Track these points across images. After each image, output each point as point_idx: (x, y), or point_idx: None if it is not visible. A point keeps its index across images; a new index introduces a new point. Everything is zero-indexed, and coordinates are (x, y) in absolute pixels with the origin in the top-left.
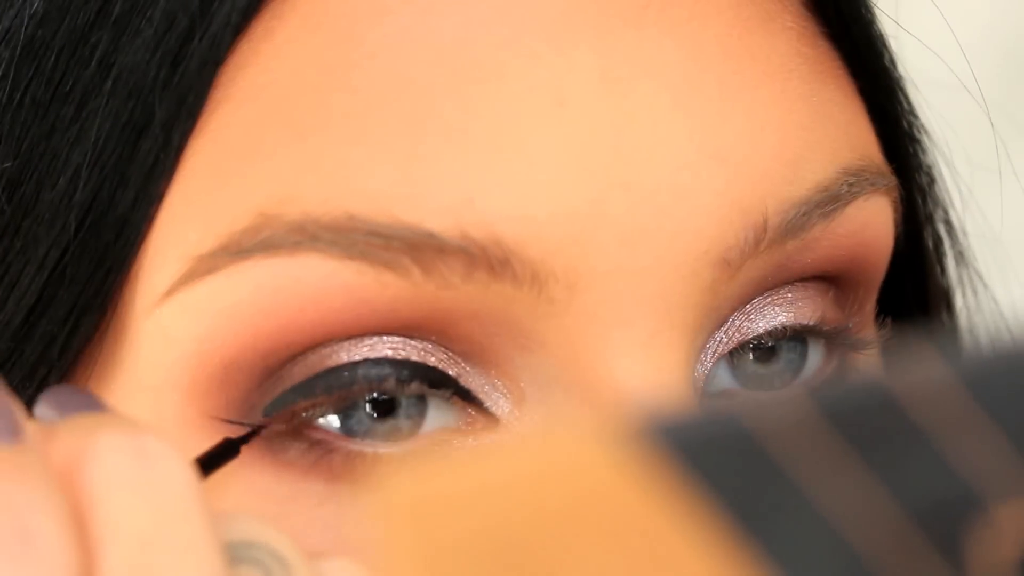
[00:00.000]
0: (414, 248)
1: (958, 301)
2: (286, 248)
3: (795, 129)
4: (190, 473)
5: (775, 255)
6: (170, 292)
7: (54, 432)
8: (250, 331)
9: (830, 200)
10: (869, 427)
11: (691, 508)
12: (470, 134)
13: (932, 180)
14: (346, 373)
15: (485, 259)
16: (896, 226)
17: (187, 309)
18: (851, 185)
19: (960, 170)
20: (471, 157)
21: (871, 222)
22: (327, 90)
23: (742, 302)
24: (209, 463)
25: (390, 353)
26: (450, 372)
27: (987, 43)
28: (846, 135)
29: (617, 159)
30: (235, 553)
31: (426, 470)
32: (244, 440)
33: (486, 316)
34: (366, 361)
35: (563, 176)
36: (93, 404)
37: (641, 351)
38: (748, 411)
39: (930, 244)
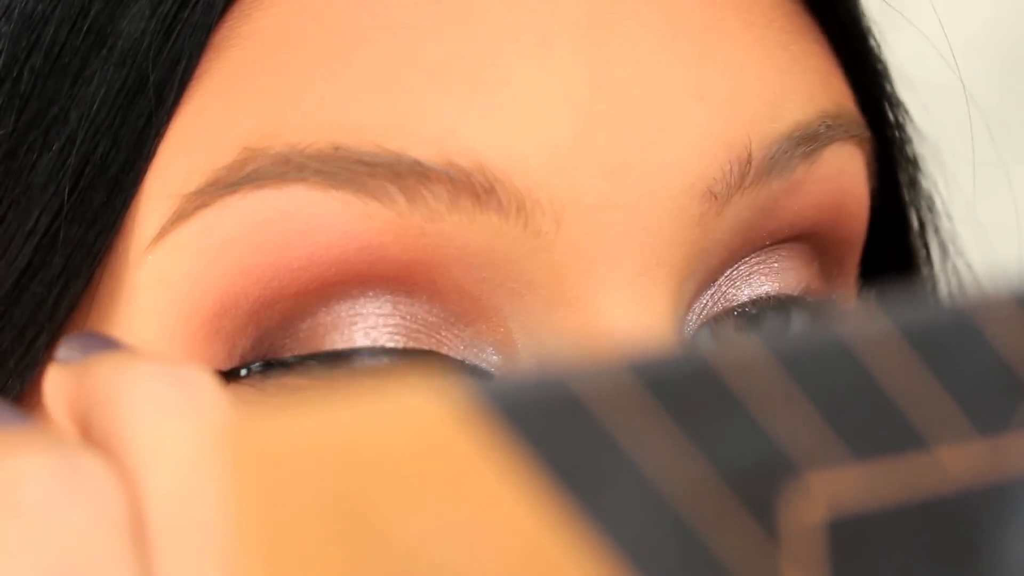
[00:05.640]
0: (399, 176)
1: (942, 288)
2: (272, 180)
3: (775, 72)
4: (224, 394)
5: (761, 194)
6: (161, 235)
7: (86, 368)
8: (240, 268)
9: (809, 139)
10: (688, 396)
11: (521, 469)
12: (452, 70)
13: (916, 167)
14: (343, 361)
15: (470, 186)
16: (871, 182)
17: (178, 249)
18: (828, 127)
19: (947, 161)
20: (454, 91)
21: (847, 169)
22: (312, 34)
23: (731, 250)
24: None
25: (388, 343)
26: (443, 351)
27: (988, 42)
28: (823, 83)
29: (600, 95)
30: None
31: (271, 416)
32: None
33: (474, 255)
34: (362, 350)
35: (546, 110)
36: (117, 344)
37: (628, 289)
38: (575, 376)
39: (915, 225)
